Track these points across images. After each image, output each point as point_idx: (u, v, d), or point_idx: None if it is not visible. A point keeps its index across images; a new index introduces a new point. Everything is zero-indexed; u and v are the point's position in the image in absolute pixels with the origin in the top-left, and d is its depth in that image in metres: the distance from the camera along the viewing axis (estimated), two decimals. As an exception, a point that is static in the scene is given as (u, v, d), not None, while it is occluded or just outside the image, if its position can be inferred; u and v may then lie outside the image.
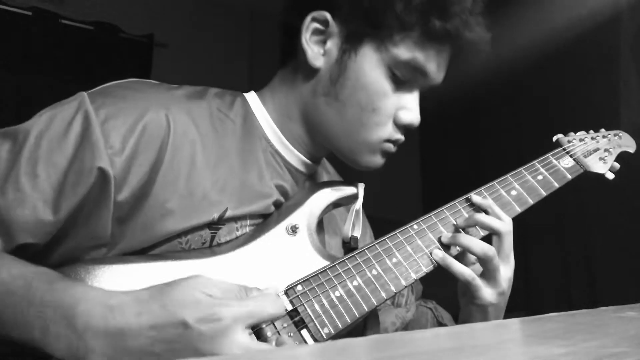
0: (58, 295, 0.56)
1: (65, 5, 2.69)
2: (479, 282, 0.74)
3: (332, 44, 0.75)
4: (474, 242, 0.74)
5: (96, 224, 0.64)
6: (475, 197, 0.80)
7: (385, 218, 1.21)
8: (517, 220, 0.81)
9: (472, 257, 0.77)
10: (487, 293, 0.74)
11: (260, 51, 3.05)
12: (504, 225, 0.76)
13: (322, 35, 0.76)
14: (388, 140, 0.77)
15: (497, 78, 2.01)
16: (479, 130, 2.92)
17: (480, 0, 0.76)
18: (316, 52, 0.76)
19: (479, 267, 0.76)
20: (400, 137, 0.78)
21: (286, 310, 0.67)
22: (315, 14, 0.75)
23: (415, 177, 3.41)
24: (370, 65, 0.74)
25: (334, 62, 0.75)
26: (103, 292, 0.57)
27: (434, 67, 0.75)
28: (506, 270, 0.76)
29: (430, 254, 0.75)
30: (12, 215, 0.61)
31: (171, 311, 0.54)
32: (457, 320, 0.82)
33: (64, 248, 0.65)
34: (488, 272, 0.74)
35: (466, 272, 0.74)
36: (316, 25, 0.75)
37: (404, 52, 0.73)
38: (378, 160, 0.79)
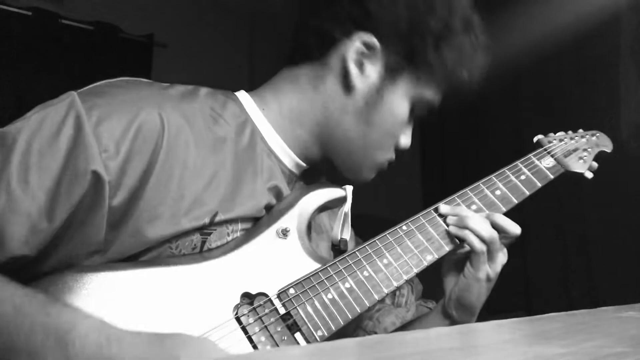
0: (51, 320, 0.54)
1: (65, 5, 2.68)
2: (486, 257, 0.78)
3: (372, 69, 0.77)
4: (483, 226, 0.78)
5: (90, 231, 0.62)
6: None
7: (385, 218, 1.21)
8: (516, 221, 0.81)
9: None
10: (488, 268, 0.79)
11: (260, 51, 3.05)
12: (518, 229, 0.81)
13: (362, 57, 0.77)
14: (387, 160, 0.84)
15: (497, 78, 2.00)
16: (479, 130, 2.92)
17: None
18: (356, 72, 0.77)
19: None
20: (394, 157, 0.85)
21: (279, 313, 0.67)
22: (365, 37, 0.76)
23: (415, 177, 3.40)
24: (403, 97, 0.79)
25: (372, 87, 0.77)
26: (99, 320, 0.56)
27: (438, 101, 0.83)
28: (503, 257, 0.81)
29: (421, 253, 0.76)
30: (4, 223, 0.58)
31: (167, 345, 0.54)
32: (448, 295, 0.82)
33: (56, 256, 0.62)
34: (490, 253, 0.79)
35: (479, 243, 0.78)
36: (362, 48, 0.76)
37: (429, 92, 0.80)
38: (373, 175, 0.85)
